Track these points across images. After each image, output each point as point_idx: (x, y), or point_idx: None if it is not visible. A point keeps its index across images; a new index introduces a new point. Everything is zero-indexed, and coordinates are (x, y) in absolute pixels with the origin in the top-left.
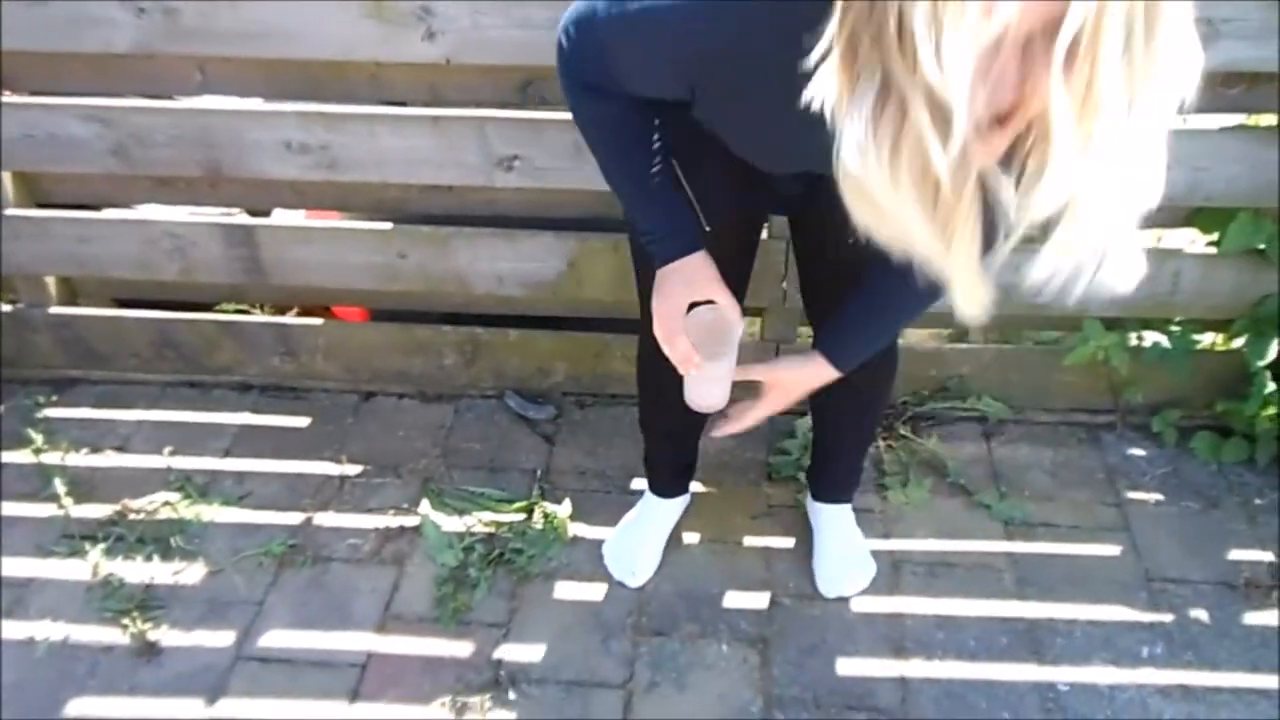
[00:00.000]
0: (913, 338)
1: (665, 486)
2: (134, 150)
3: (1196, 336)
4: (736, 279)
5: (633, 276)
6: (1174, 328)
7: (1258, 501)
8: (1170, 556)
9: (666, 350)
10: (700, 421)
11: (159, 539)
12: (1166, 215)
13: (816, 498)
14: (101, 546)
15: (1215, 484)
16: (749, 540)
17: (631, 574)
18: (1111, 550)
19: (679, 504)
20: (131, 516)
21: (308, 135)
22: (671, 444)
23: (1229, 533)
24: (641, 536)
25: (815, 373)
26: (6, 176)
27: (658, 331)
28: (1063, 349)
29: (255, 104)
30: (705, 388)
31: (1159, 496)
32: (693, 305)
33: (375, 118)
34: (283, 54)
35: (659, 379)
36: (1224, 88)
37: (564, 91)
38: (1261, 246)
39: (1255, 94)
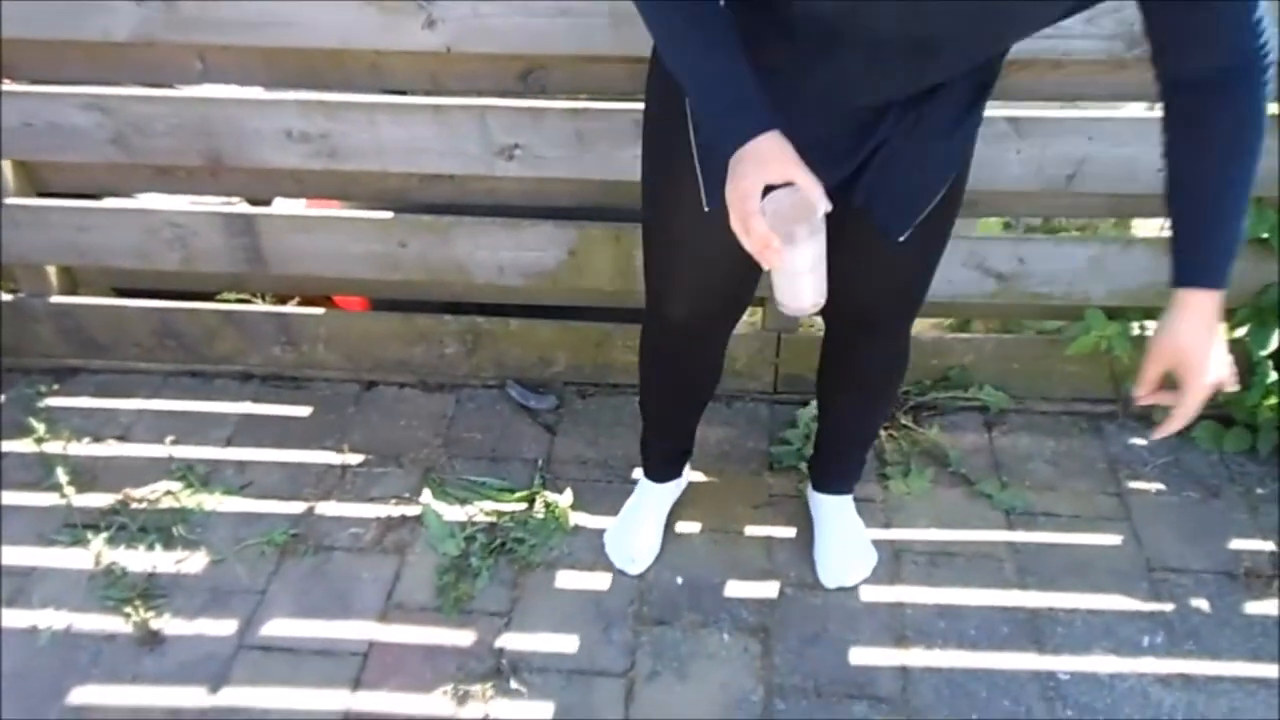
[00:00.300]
0: (914, 327)
1: (659, 471)
2: (134, 139)
3: None
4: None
5: (634, 263)
6: None
7: (1259, 491)
8: (1171, 546)
9: (743, 239)
10: (699, 406)
11: (161, 528)
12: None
13: (818, 488)
14: (104, 535)
15: (1217, 473)
16: (750, 530)
17: (631, 561)
18: (1112, 540)
19: (673, 488)
20: (133, 505)
21: (308, 124)
22: (670, 428)
23: (1230, 522)
24: (638, 523)
25: (1202, 314)
26: (6, 165)
27: (733, 218)
28: (1065, 338)
29: (255, 92)
30: (793, 282)
31: (1160, 486)
32: (768, 191)
33: (376, 106)
34: (282, 42)
35: (659, 361)
36: None
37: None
38: (1265, 235)
39: None
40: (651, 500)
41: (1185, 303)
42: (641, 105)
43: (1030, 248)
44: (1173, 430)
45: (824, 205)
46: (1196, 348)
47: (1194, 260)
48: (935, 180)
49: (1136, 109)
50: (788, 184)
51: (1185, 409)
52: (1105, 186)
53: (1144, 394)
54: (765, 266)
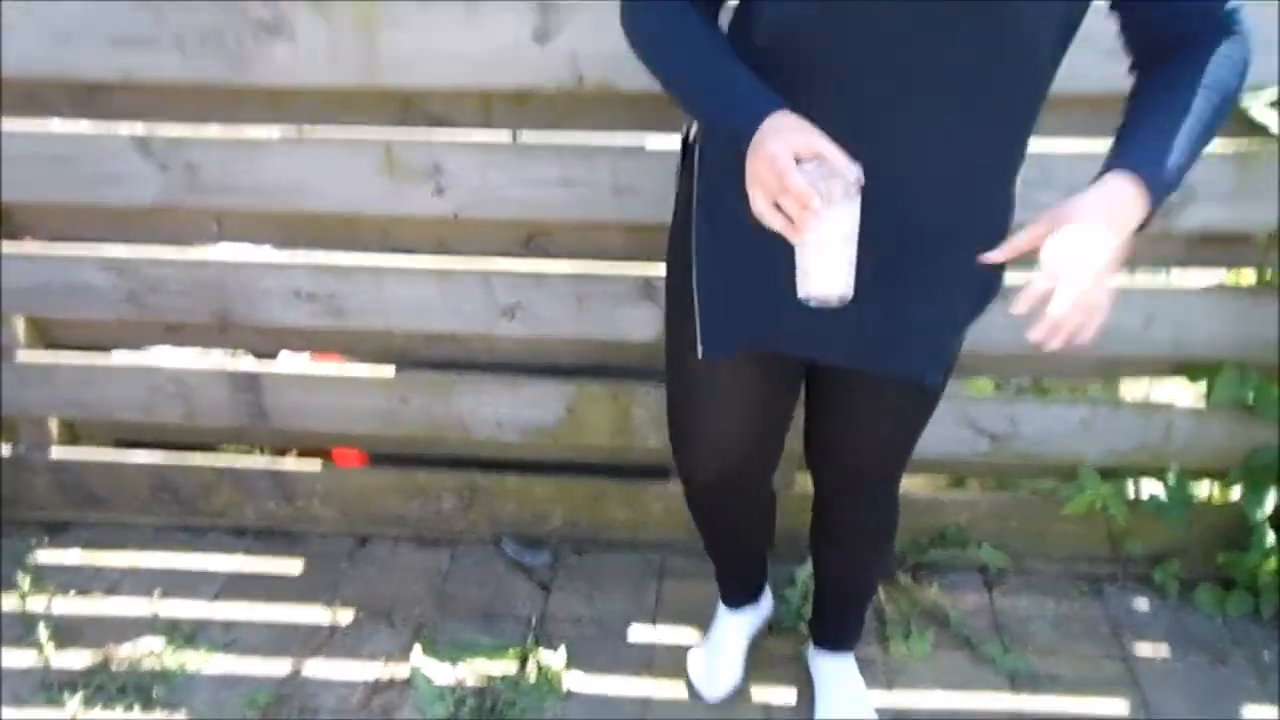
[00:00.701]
0: (909, 485)
1: (733, 598)
2: (147, 297)
3: (1194, 485)
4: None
5: (632, 420)
6: (1170, 477)
7: (1265, 656)
8: (1180, 714)
9: (772, 218)
10: (756, 547)
11: (140, 689)
12: (1152, 367)
13: (818, 644)
14: (81, 695)
15: (1221, 638)
16: (752, 692)
17: (709, 683)
18: (1120, 707)
19: (753, 615)
20: (114, 665)
21: (317, 284)
22: (732, 567)
23: (1238, 689)
24: (718, 648)
25: (1113, 199)
26: (19, 321)
27: (759, 195)
28: (1060, 498)
29: (267, 254)
30: (828, 258)
31: (1165, 652)
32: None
33: (383, 270)
34: (297, 207)
35: (699, 516)
36: (1203, 248)
37: (626, 26)
38: (1250, 403)
39: (1233, 251)
40: (731, 626)
41: (1103, 182)
42: (639, 268)
43: (1021, 409)
44: (1039, 336)
45: (856, 169)
46: (1090, 231)
47: (1128, 149)
48: (953, 313)
49: (1118, 277)
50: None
51: (1055, 306)
52: (1092, 348)
53: (1009, 252)
54: (798, 237)
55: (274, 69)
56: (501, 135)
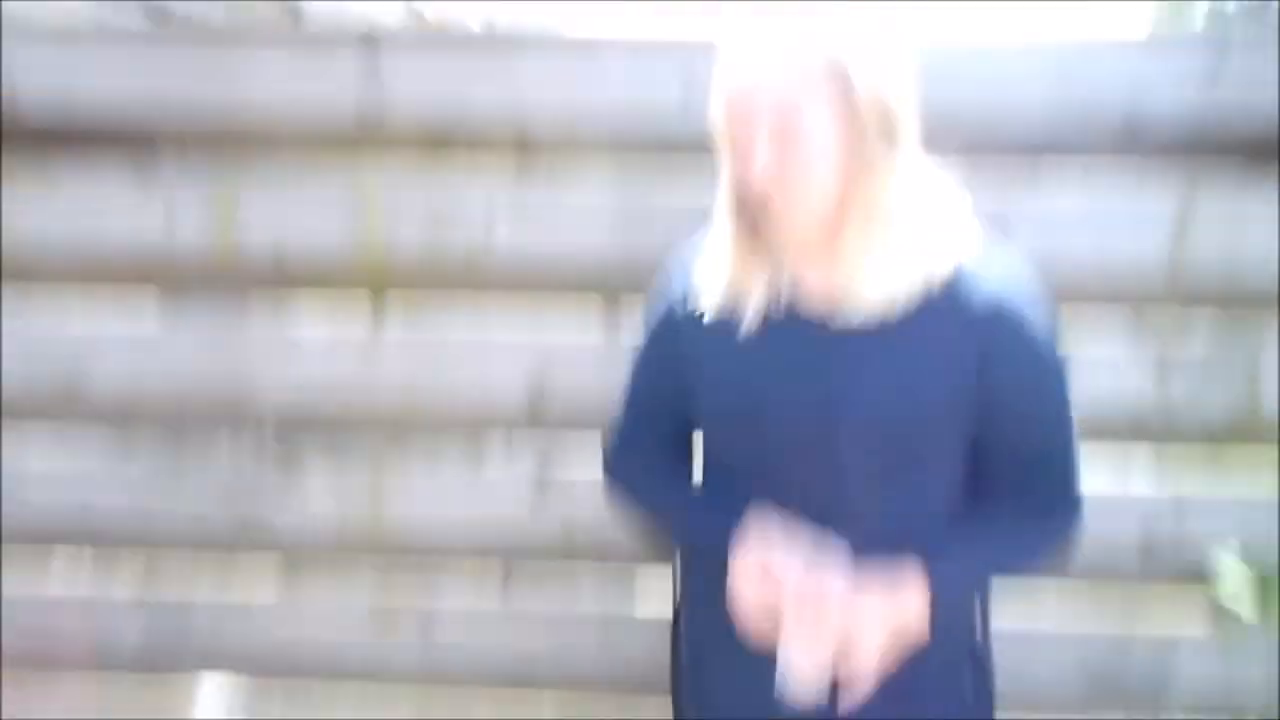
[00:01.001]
0: None
1: None
2: None
3: None
4: None
5: None
6: None
7: None
8: None
9: (756, 626)
10: None
11: None
12: None
13: None
14: None
15: None
16: None
17: None
18: None
19: None
20: None
21: None
22: None
23: None
24: None
25: (904, 581)
26: None
27: (749, 603)
28: None
29: None
30: (806, 659)
31: None
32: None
33: None
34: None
35: None
36: None
37: (609, 486)
38: None
39: None
40: None
41: (902, 569)
42: None
43: None
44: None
45: (841, 550)
46: (874, 596)
47: (933, 546)
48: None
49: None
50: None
51: (854, 669)
52: None
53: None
54: (788, 638)
55: (281, 532)
56: (492, 589)
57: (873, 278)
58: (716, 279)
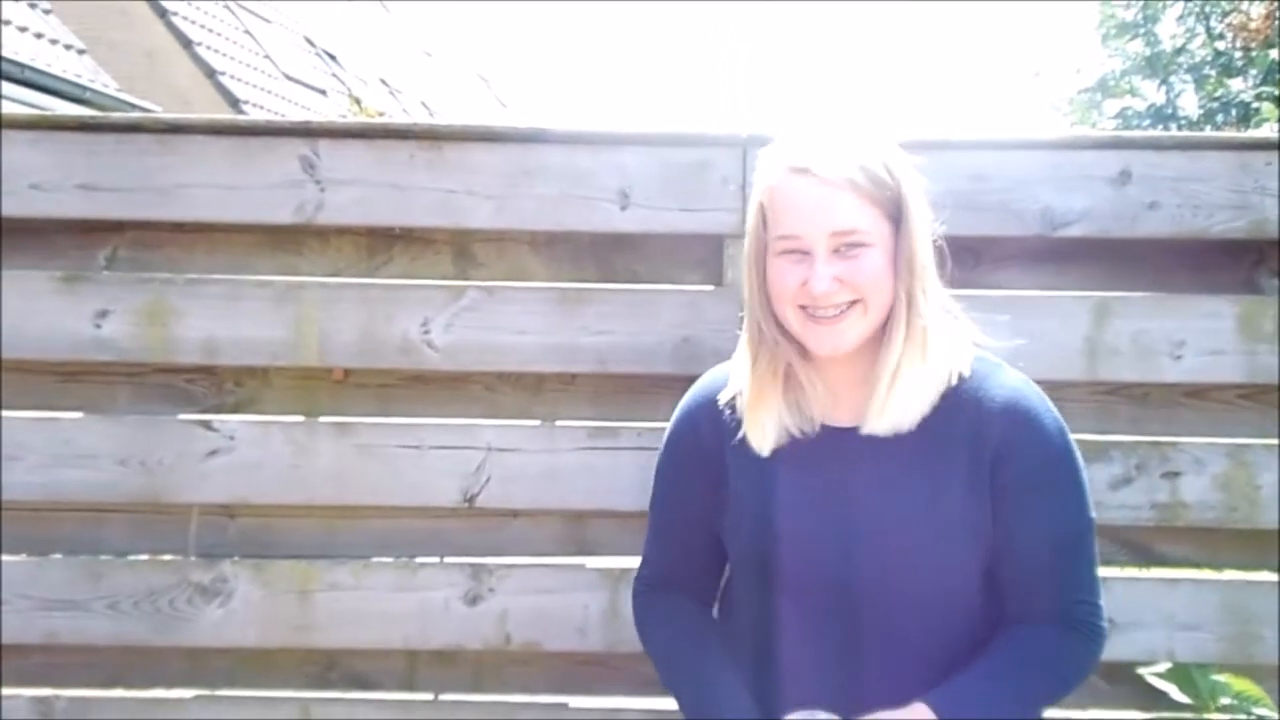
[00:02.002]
0: None
1: None
2: None
3: None
4: None
5: None
6: None
7: None
8: None
9: None
10: None
11: None
12: None
13: None
14: None
15: None
16: None
17: None
18: None
19: None
20: None
21: None
22: None
23: None
24: None
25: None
26: None
27: None
28: None
29: None
30: None
31: None
32: None
33: None
34: None
35: None
36: None
37: (636, 620)
38: None
39: None
40: None
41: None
42: None
43: None
44: None
45: None
46: None
47: (950, 691)
48: None
49: None
50: None
51: None
52: None
53: None
54: None
55: (203, 630)
56: (423, 696)
57: (910, 391)
58: (749, 409)
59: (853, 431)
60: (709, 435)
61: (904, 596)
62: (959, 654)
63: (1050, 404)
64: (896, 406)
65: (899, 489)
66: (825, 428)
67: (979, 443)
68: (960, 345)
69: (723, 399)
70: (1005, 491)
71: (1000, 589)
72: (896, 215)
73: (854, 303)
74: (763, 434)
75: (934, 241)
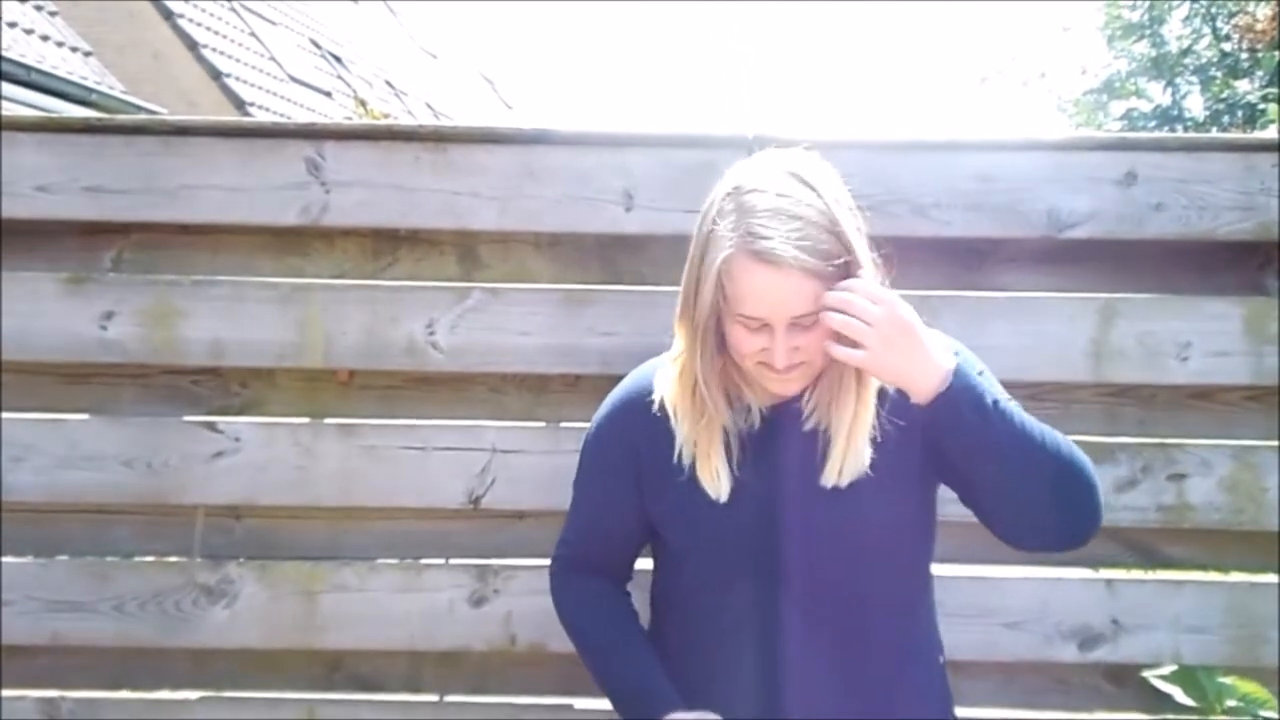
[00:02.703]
0: None
1: None
2: None
3: None
4: None
5: None
6: None
7: None
8: None
9: None
10: None
11: None
12: None
13: None
14: None
15: None
16: None
17: None
18: None
19: None
20: None
21: None
22: None
23: None
24: None
25: (932, 345)
26: None
27: None
28: None
29: None
30: None
31: None
32: None
33: None
34: None
35: None
36: None
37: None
38: None
39: None
40: None
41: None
42: None
43: None
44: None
45: None
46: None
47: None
48: None
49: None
50: None
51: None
52: None
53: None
54: None
55: (208, 632)
56: (428, 697)
57: (863, 439)
58: (701, 459)
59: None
60: (643, 428)
61: (863, 566)
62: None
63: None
64: (854, 462)
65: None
66: (764, 413)
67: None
68: None
69: (658, 401)
70: (939, 420)
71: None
72: (844, 273)
73: (803, 362)
74: (717, 482)
75: (881, 252)
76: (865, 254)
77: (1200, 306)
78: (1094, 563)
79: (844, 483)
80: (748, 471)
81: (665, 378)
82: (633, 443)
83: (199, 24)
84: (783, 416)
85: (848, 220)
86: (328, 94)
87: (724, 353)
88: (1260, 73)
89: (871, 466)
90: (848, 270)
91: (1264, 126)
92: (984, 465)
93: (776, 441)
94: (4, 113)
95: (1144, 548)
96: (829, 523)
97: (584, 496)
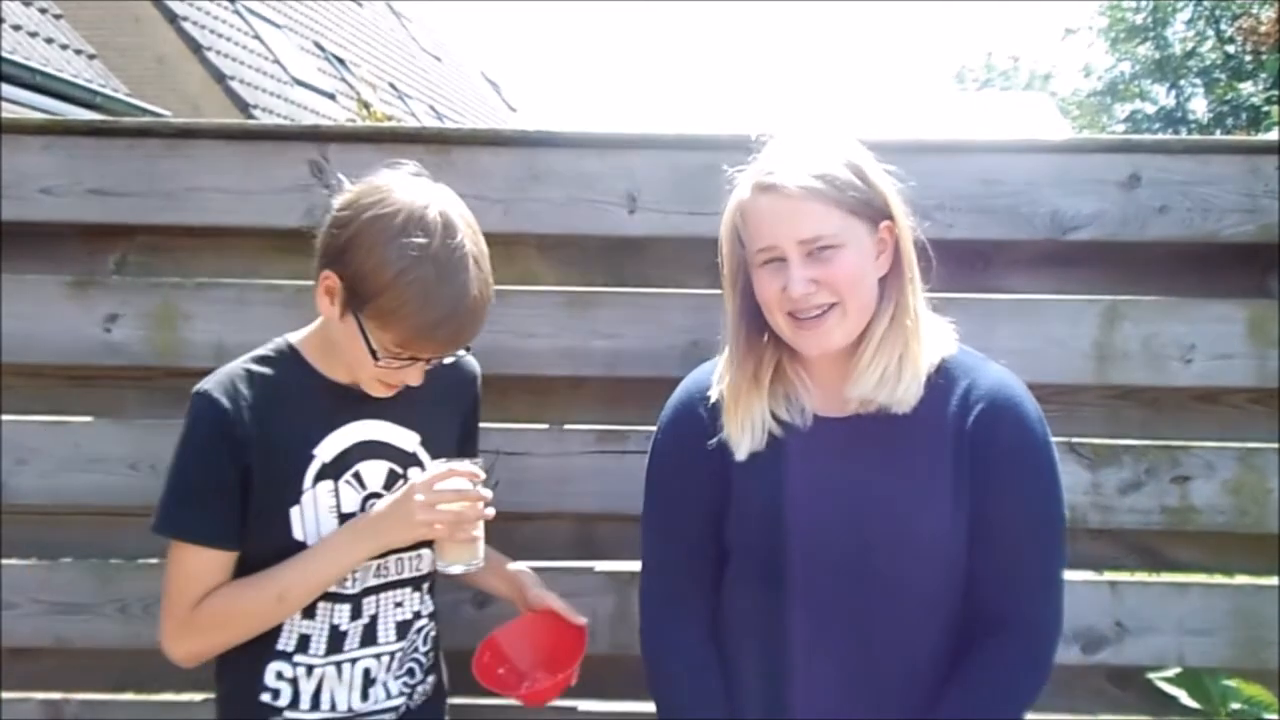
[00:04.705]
0: None
1: None
2: None
3: None
4: None
5: None
6: None
7: None
8: None
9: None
10: None
11: None
12: None
13: None
14: None
15: None
16: None
17: None
18: None
19: None
20: None
21: None
22: None
23: None
24: None
25: None
26: None
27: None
28: None
29: None
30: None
31: None
32: None
33: None
34: None
35: None
36: None
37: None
38: None
39: None
40: None
41: None
42: None
43: None
44: None
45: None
46: None
47: None
48: None
49: None
50: None
51: None
52: None
53: None
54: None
55: None
56: None
57: (895, 379)
58: (728, 413)
59: (847, 420)
60: (708, 429)
61: (912, 574)
62: (952, 635)
63: (1032, 398)
64: (873, 375)
65: (898, 472)
66: (819, 418)
67: (963, 424)
68: (942, 335)
69: (713, 396)
70: (984, 466)
71: (970, 573)
72: (871, 214)
73: (833, 305)
74: (740, 436)
75: (915, 241)
76: (896, 198)
77: (1204, 309)
78: (1098, 565)
79: (858, 392)
80: (794, 467)
81: (717, 372)
82: (704, 441)
83: (203, 27)
84: (835, 425)
85: (870, 164)
86: (331, 96)
87: (770, 336)
88: (1264, 75)
89: (907, 478)
90: (871, 205)
91: (1268, 129)
92: None
93: (826, 445)
94: (8, 115)
95: (1148, 550)
96: (870, 521)
97: (661, 510)
